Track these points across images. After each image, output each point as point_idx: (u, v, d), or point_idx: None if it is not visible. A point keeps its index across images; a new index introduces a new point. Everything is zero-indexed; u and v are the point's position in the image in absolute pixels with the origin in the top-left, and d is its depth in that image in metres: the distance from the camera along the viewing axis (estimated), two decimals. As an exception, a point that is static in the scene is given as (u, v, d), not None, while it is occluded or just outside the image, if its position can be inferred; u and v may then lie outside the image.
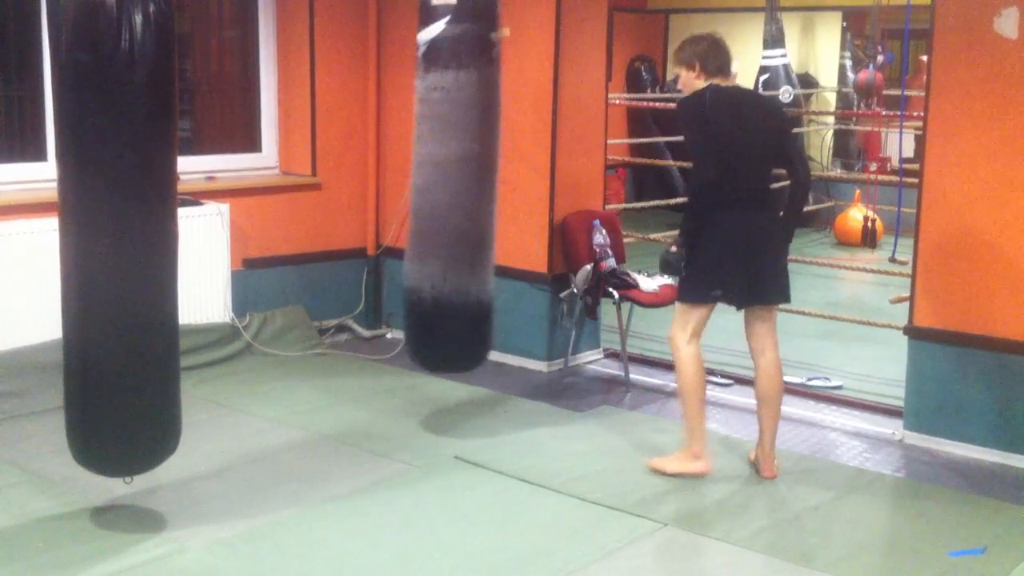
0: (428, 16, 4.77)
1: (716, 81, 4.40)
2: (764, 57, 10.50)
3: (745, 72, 11.02)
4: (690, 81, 4.44)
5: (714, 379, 5.81)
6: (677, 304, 4.56)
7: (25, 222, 5.24)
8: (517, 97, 5.90)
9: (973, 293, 4.80)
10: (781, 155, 4.49)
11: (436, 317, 4.80)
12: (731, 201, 4.38)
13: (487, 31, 4.76)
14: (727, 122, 4.36)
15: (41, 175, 5.45)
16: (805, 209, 10.61)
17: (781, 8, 10.44)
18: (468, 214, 4.78)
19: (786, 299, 4.55)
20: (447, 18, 4.76)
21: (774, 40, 10.47)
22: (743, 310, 4.52)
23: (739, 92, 4.63)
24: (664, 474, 4.49)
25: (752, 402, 5.49)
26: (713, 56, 4.42)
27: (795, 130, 4.55)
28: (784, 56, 10.55)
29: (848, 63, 11.22)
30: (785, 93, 10.43)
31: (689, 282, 4.49)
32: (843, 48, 11.95)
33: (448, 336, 4.87)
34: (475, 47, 4.76)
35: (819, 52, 12.23)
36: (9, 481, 4.31)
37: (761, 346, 4.53)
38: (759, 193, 4.45)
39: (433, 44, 4.76)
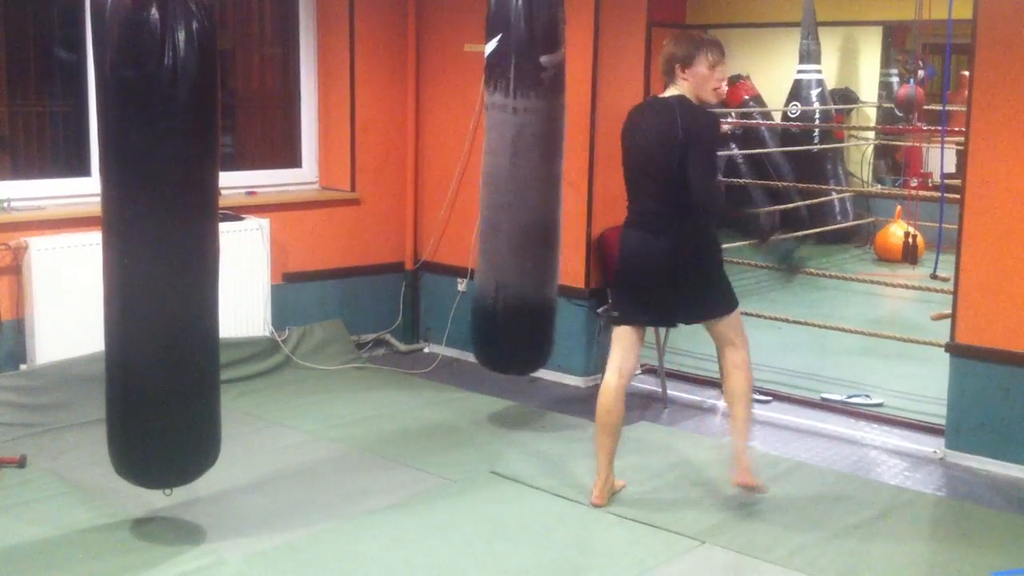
0: (555, 38, 4.99)
1: (668, 87, 4.28)
2: (798, 71, 10.56)
3: (782, 86, 11.05)
4: None
5: (753, 396, 5.78)
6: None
7: (69, 236, 5.30)
8: (555, 112, 5.92)
9: (1016, 310, 4.75)
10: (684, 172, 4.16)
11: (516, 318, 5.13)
12: (631, 221, 4.34)
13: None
14: (629, 137, 4.30)
15: (85, 190, 5.53)
16: (846, 224, 10.72)
17: (821, 23, 10.42)
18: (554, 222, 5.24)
19: (712, 316, 4.32)
20: (563, 39, 5.05)
21: (808, 56, 10.50)
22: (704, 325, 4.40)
23: (650, 105, 4.37)
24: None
25: (793, 419, 5.50)
26: (662, 59, 4.29)
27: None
28: (819, 72, 10.56)
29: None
30: (793, 108, 10.47)
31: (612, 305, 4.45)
32: (885, 64, 11.90)
33: (524, 335, 5.20)
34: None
35: (859, 67, 12.18)
36: (50, 492, 4.36)
37: (721, 345, 4.38)
38: (656, 215, 4.23)
39: (559, 65, 5.03)
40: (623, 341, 4.35)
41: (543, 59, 4.94)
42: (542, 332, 5.23)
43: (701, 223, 4.24)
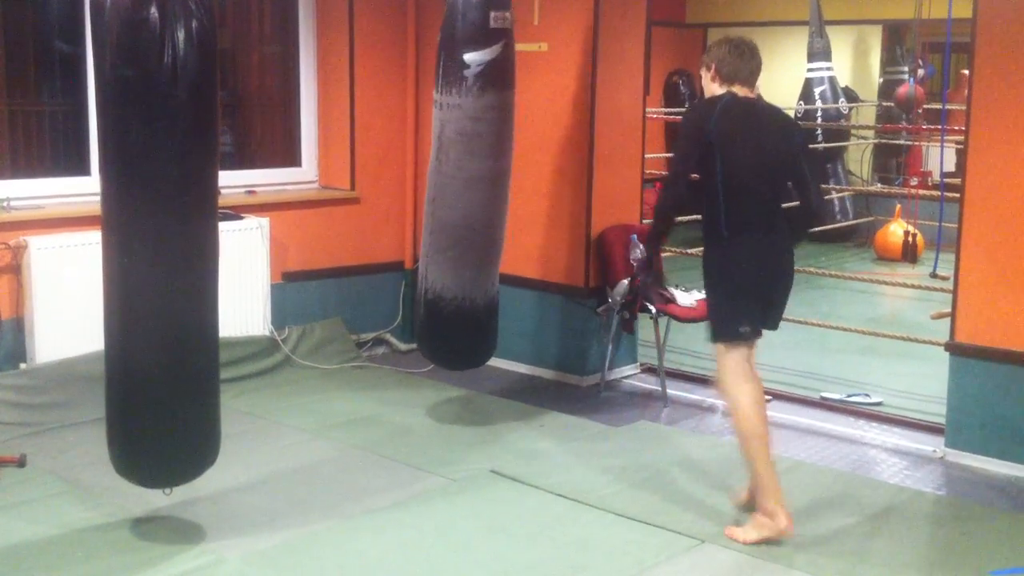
0: (484, 37, 4.89)
1: (733, 89, 4.10)
2: (808, 69, 10.58)
3: (781, 85, 11.07)
4: (707, 83, 4.19)
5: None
6: (717, 346, 4.13)
7: (68, 235, 5.30)
8: (554, 111, 5.92)
9: (1015, 309, 4.74)
10: (795, 177, 4.18)
11: (458, 317, 5.12)
12: (752, 225, 4.07)
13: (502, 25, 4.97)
14: (741, 138, 4.05)
15: (84, 189, 5.52)
16: (846, 223, 10.74)
17: (823, 22, 10.44)
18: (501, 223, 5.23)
19: (776, 327, 4.30)
20: (504, 39, 4.94)
21: (816, 54, 10.52)
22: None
23: (756, 105, 4.20)
24: (745, 543, 4.00)
25: (792, 418, 5.49)
26: (731, 61, 4.10)
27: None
28: (829, 69, 10.57)
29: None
30: (798, 107, 10.51)
31: (719, 318, 4.14)
32: (886, 63, 11.91)
33: (468, 333, 5.21)
34: (513, 67, 5.07)
35: (861, 66, 12.18)
36: (50, 491, 4.36)
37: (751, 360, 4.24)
38: (772, 220, 4.11)
39: (492, 64, 4.92)
40: (747, 354, 4.11)
41: (466, 57, 4.89)
42: (460, 329, 5.18)
43: (788, 231, 4.24)
